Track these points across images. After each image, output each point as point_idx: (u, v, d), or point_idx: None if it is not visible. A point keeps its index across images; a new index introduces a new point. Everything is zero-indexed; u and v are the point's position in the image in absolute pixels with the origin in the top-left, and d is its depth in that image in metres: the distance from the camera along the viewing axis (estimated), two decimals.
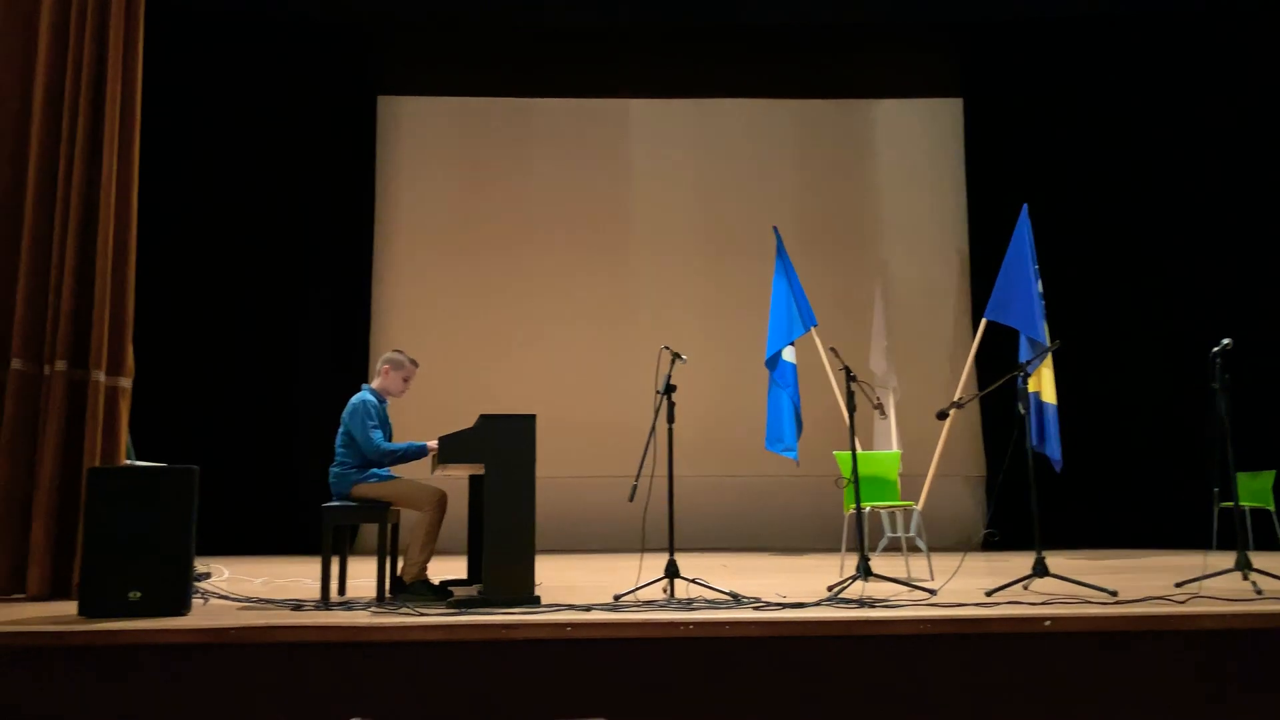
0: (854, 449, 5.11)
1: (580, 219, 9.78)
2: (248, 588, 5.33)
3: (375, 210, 9.68)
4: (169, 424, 8.47)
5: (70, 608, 4.18)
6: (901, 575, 5.28)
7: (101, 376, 4.98)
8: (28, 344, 4.99)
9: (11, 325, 5.01)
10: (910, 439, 8.67)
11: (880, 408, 5.26)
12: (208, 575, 5.71)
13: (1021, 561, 5.26)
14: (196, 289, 9.08)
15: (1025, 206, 7.51)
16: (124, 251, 5.15)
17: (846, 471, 5.75)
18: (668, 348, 5.02)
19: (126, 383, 5.14)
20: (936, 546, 6.99)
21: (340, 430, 4.92)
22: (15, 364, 4.96)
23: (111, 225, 5.09)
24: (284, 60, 9.45)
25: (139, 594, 4.02)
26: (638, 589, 4.56)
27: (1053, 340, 6.03)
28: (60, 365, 4.95)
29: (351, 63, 9.62)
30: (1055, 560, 5.28)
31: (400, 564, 4.89)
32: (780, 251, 8.07)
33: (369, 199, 9.63)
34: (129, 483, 4.20)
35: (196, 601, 4.39)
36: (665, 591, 4.65)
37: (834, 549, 7.22)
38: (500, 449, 4.39)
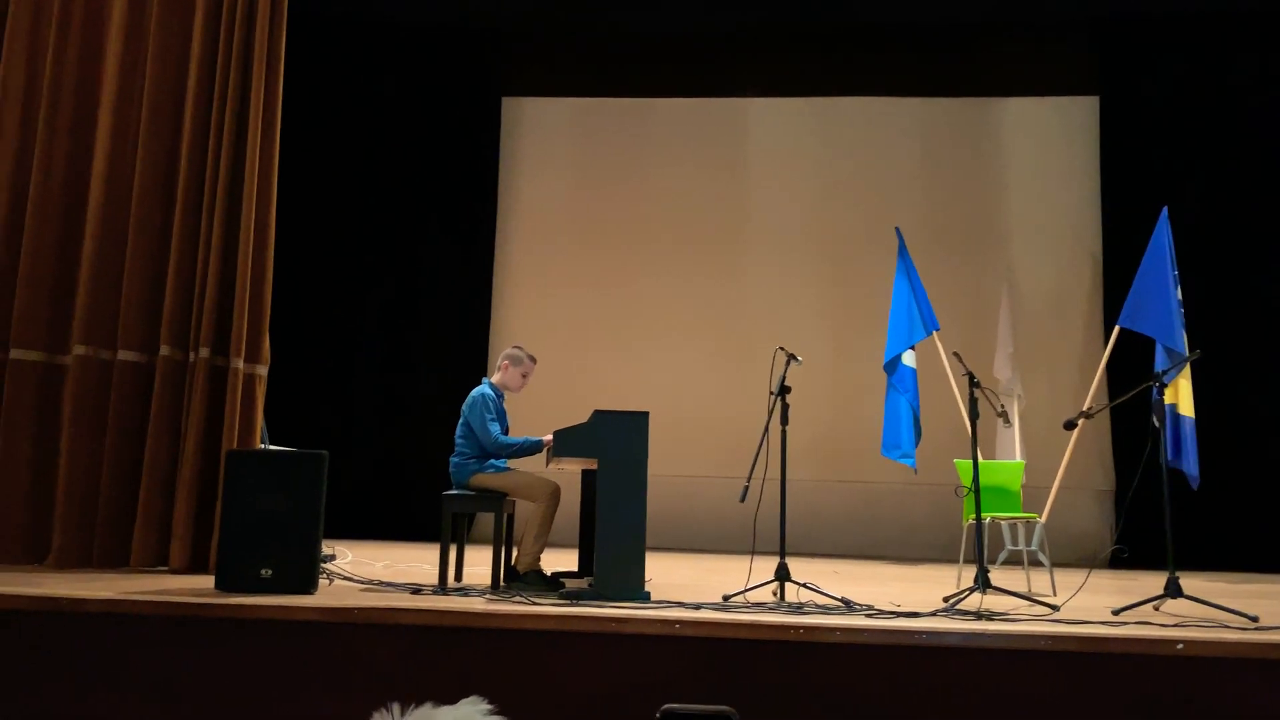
0: (975, 457, 4.98)
1: (697, 218, 9.79)
2: (370, 570, 5.55)
3: (498, 208, 9.91)
4: (300, 411, 8.84)
5: (208, 582, 4.44)
6: (1022, 589, 5.12)
7: (240, 364, 5.26)
8: (175, 332, 5.32)
9: (161, 313, 5.33)
10: (1035, 449, 8.38)
11: (1004, 415, 5.12)
12: (333, 557, 5.95)
13: (1152, 581, 5.02)
14: (328, 282, 9.47)
15: (1165, 209, 7.16)
16: (263, 248, 5.42)
17: (967, 480, 5.60)
18: (783, 349, 4.99)
19: (263, 370, 5.42)
20: (1060, 562, 6.74)
21: (460, 422, 5.08)
22: (164, 350, 5.28)
23: (253, 222, 5.36)
24: (414, 64, 9.76)
25: (270, 572, 4.24)
26: (747, 590, 4.54)
27: (1192, 350, 5.74)
28: (204, 352, 5.25)
29: (478, 65, 9.87)
30: (1190, 582, 5.02)
31: (515, 553, 5.01)
32: (902, 253, 7.92)
33: (492, 197, 9.86)
34: (263, 466, 4.43)
35: (322, 582, 4.59)
36: (775, 594, 4.63)
37: (951, 560, 7.04)
38: (613, 445, 4.45)
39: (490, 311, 9.75)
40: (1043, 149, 9.62)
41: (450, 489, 5.00)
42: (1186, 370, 6.52)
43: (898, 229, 8.20)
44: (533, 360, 5.27)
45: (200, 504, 5.11)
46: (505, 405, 5.21)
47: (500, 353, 5.36)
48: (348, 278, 9.53)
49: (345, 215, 9.55)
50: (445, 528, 4.81)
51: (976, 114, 9.73)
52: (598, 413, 4.58)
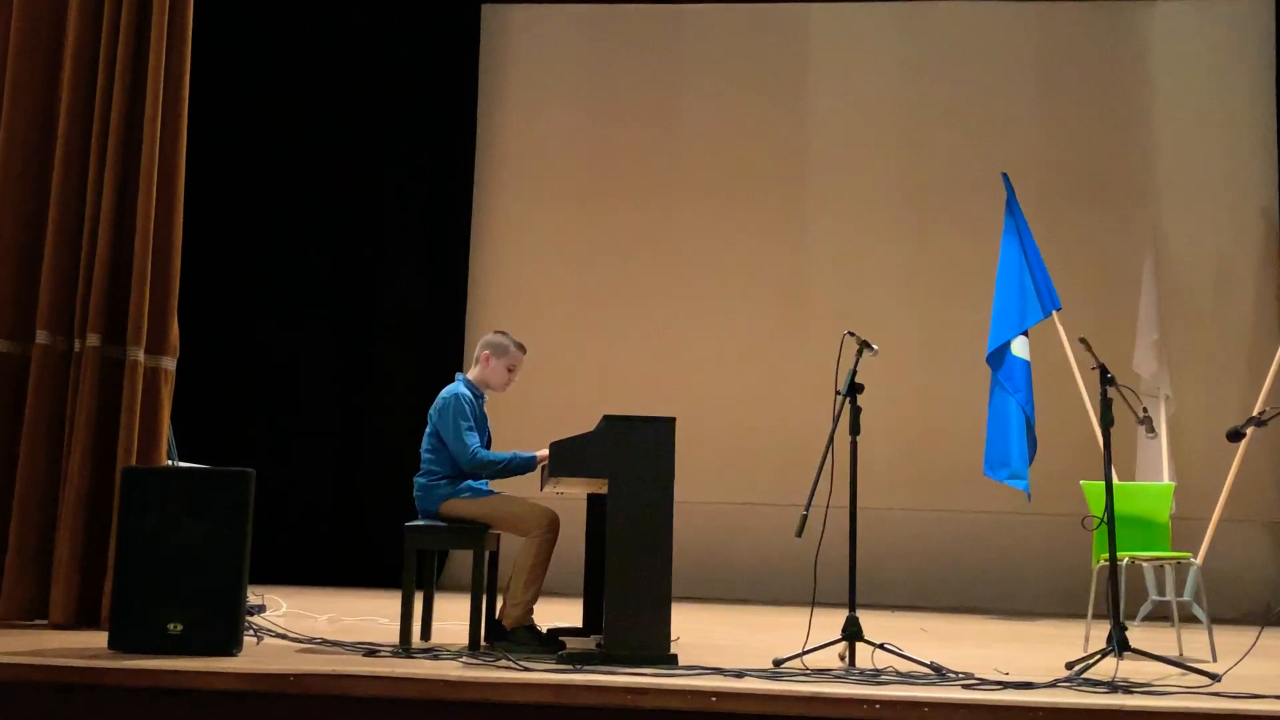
0: (1109, 479, 4.96)
1: (741, 162, 9.78)
2: (310, 625, 5.56)
3: (476, 150, 9.92)
4: (219, 417, 8.92)
5: (100, 639, 4.45)
6: (1171, 653, 5.10)
7: (140, 355, 5.29)
8: (55, 314, 5.33)
9: (37, 290, 5.35)
10: (1188, 468, 8.33)
11: (1147, 422, 5.09)
12: (262, 608, 5.99)
13: None
14: (258, 250, 9.53)
15: None
16: (170, 203, 5.44)
17: (1098, 509, 5.57)
18: (853, 334, 4.97)
19: (170, 363, 5.44)
20: (1221, 617, 6.69)
21: (427, 432, 5.09)
22: (41, 337, 5.31)
23: (156, 168, 5.38)
24: None
25: (180, 626, 4.25)
26: (806, 653, 4.53)
27: None
28: (92, 340, 5.27)
29: None
30: None
31: (500, 603, 5.01)
32: (1012, 207, 7.87)
33: (468, 136, 9.89)
34: (171, 487, 4.45)
35: (249, 640, 4.60)
36: (843, 658, 4.62)
37: (1076, 614, 7.00)
38: (629, 461, 4.44)
39: (466, 285, 9.78)
40: (1200, 71, 9.54)
41: (415, 518, 5.01)
42: None
43: (1005, 176, 8.16)
44: (521, 350, 5.27)
45: (89, 537, 5.13)
46: (485, 409, 5.21)
47: (479, 340, 5.36)
48: (284, 244, 9.58)
49: (278, 165, 9.60)
50: (408, 569, 4.80)
51: (1113, 21, 9.67)
52: (608, 419, 4.57)
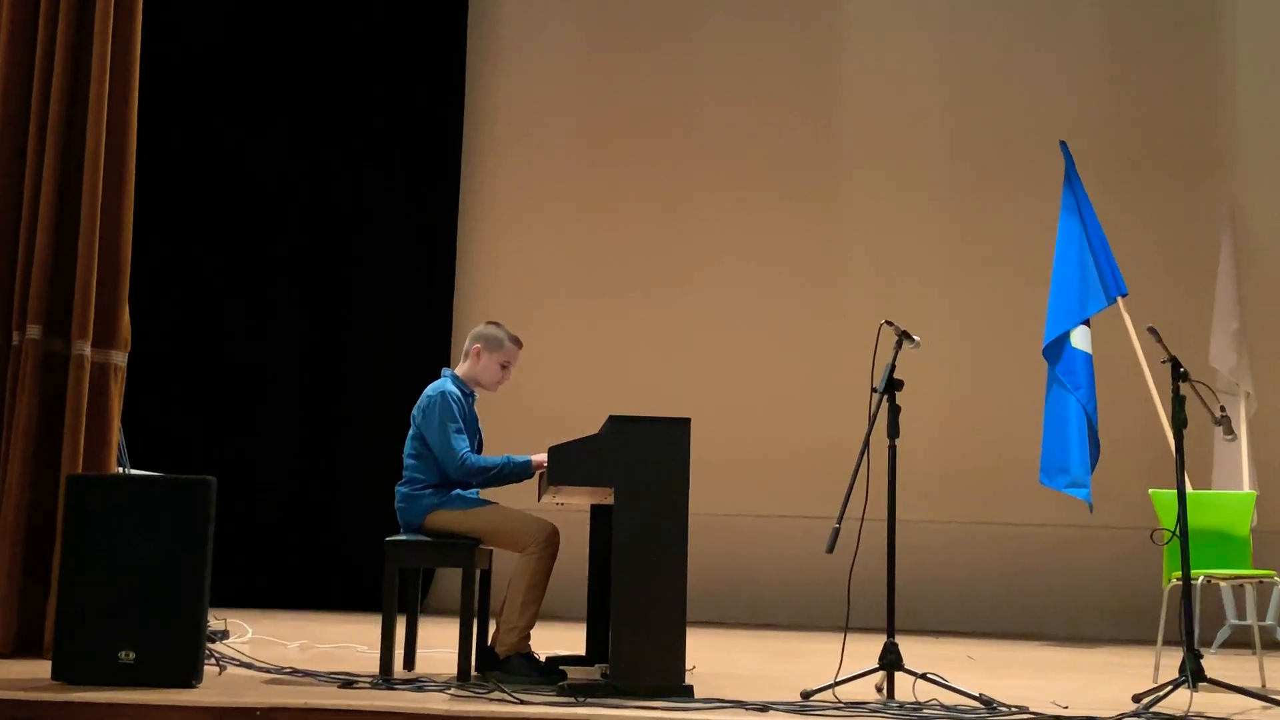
0: (1182, 487, 4.95)
1: (766, 130, 9.75)
2: (279, 653, 5.57)
3: (464, 117, 9.91)
4: (177, 420, 8.93)
5: (42, 669, 4.46)
6: (1252, 683, 5.09)
7: (87, 349, 5.30)
8: None
9: None
10: (1272, 474, 8.32)
11: (1225, 423, 5.08)
12: (225, 634, 6.00)
13: None
14: (222, 234, 9.53)
15: None
16: (119, 181, 5.45)
17: (1169, 521, 5.56)
18: (891, 323, 4.96)
19: (121, 358, 5.46)
20: None
21: (410, 435, 5.10)
22: None
23: (103, 141, 5.39)
24: None
25: (133, 655, 4.26)
26: (838, 684, 4.53)
27: None
28: (32, 333, 5.29)
29: None
30: None
31: (492, 628, 5.02)
32: (1071, 179, 7.86)
33: (454, 98, 9.87)
34: (122, 498, 4.45)
35: (209, 669, 4.62)
36: (880, 690, 4.63)
37: (1145, 640, 6.99)
38: (639, 467, 4.44)
39: (454, 270, 9.78)
40: None
41: (397, 532, 5.02)
42: None
43: (1064, 144, 8.14)
44: (517, 344, 5.27)
45: (29, 554, 5.14)
46: (476, 409, 5.22)
47: (469, 332, 5.36)
48: (251, 228, 9.58)
49: (246, 137, 9.61)
50: (390, 590, 4.81)
51: None
52: (615, 419, 4.57)
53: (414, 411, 5.10)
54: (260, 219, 9.64)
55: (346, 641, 6.29)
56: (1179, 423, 4.94)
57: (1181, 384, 4.91)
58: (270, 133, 9.65)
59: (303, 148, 9.68)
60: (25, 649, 5.06)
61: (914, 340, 4.94)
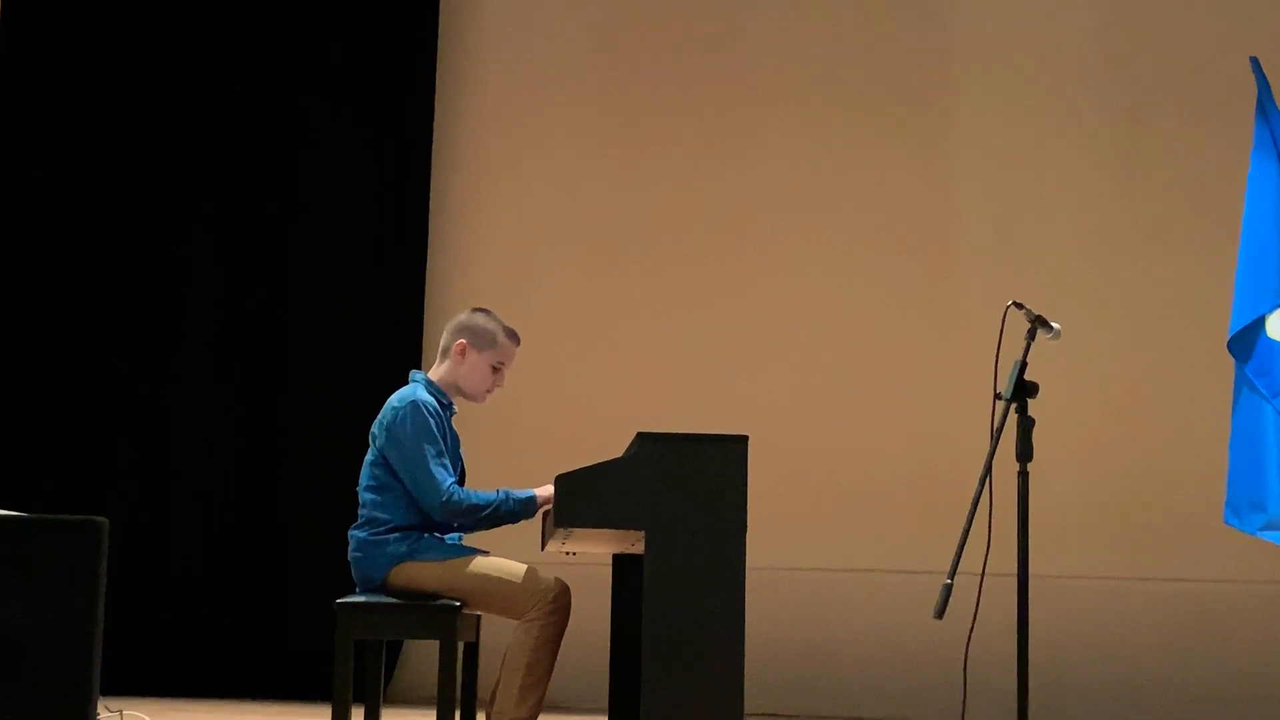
0: None
1: (851, 38, 9.74)
2: None
3: (438, 57, 9.96)
4: (53, 450, 8.98)
5: None
6: None
7: None
8: None
9: None
10: None
11: None
12: None
13: None
14: (129, 221, 9.60)
15: None
16: None
17: None
18: (1021, 306, 4.92)
19: None
20: None
21: (369, 459, 5.09)
22: None
23: None
24: None
25: None
26: None
27: None
28: None
29: None
30: None
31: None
32: (1266, 108, 7.81)
33: (425, 32, 9.93)
34: None
35: None
36: None
37: None
38: (678, 502, 4.45)
39: (427, 241, 9.81)
40: None
41: (352, 591, 5.01)
42: None
43: (1255, 61, 8.09)
44: (514, 339, 5.25)
45: None
46: (455, 424, 5.21)
47: (446, 324, 5.34)
48: (163, 213, 9.66)
49: (156, 109, 9.71)
50: (342, 670, 4.81)
51: None
52: (644, 437, 4.57)
53: (374, 429, 5.08)
54: (176, 209, 9.68)
55: None
56: None
57: None
58: (182, 60, 9.73)
59: (227, 79, 9.75)
60: None
61: (1052, 329, 4.90)
